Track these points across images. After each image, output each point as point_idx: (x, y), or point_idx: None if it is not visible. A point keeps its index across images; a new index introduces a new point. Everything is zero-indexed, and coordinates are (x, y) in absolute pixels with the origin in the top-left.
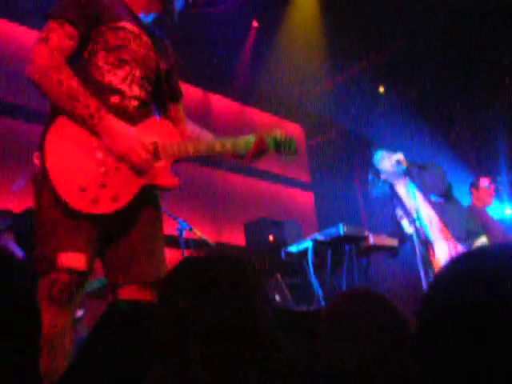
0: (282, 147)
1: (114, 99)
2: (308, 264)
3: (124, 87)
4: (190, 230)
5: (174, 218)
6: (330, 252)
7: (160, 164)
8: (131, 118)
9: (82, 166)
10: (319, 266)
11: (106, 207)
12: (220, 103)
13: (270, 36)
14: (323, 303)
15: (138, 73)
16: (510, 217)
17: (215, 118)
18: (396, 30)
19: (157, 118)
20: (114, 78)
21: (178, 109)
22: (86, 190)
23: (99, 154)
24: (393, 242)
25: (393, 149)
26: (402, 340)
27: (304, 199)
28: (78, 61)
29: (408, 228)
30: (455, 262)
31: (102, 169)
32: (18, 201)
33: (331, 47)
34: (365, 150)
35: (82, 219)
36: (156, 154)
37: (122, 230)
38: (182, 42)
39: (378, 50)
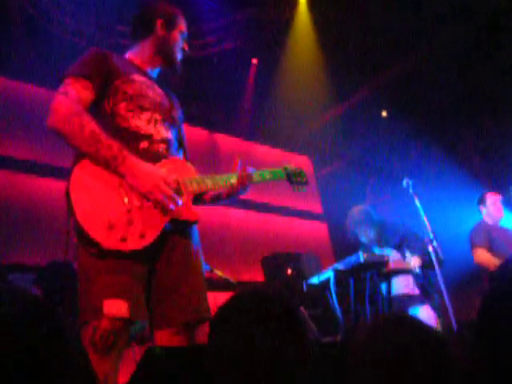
0: (293, 178)
1: (143, 144)
2: (331, 294)
3: (151, 130)
4: (211, 271)
5: None
6: (352, 280)
7: (182, 200)
8: (160, 159)
9: (107, 204)
10: (341, 295)
11: (135, 244)
12: (226, 142)
13: (271, 72)
14: (349, 333)
15: (158, 117)
16: None
17: (222, 157)
18: (395, 53)
19: (175, 156)
20: (139, 121)
21: (184, 155)
22: (113, 228)
23: (123, 193)
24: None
25: (399, 174)
26: (442, 365)
27: (318, 230)
28: (102, 116)
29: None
30: None
31: (127, 207)
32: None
33: (332, 77)
34: (374, 176)
35: (117, 260)
36: (178, 190)
37: (159, 270)
38: (183, 87)
39: (377, 74)
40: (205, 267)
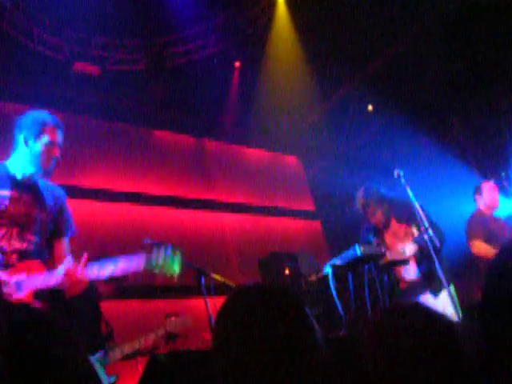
0: (157, 269)
1: None
2: (330, 290)
3: (3, 243)
4: (210, 276)
5: (192, 266)
6: (350, 275)
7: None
8: (13, 266)
9: None
10: (341, 290)
11: None
12: (213, 147)
13: (255, 73)
14: (353, 327)
15: (15, 231)
16: None
17: (210, 163)
18: (378, 44)
19: (30, 261)
20: None
21: (63, 243)
22: None
23: None
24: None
25: (390, 165)
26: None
27: (312, 228)
28: None
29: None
30: None
31: None
32: None
33: (316, 75)
34: (365, 170)
35: None
36: (19, 287)
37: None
38: (167, 95)
39: (361, 68)
40: (203, 272)
